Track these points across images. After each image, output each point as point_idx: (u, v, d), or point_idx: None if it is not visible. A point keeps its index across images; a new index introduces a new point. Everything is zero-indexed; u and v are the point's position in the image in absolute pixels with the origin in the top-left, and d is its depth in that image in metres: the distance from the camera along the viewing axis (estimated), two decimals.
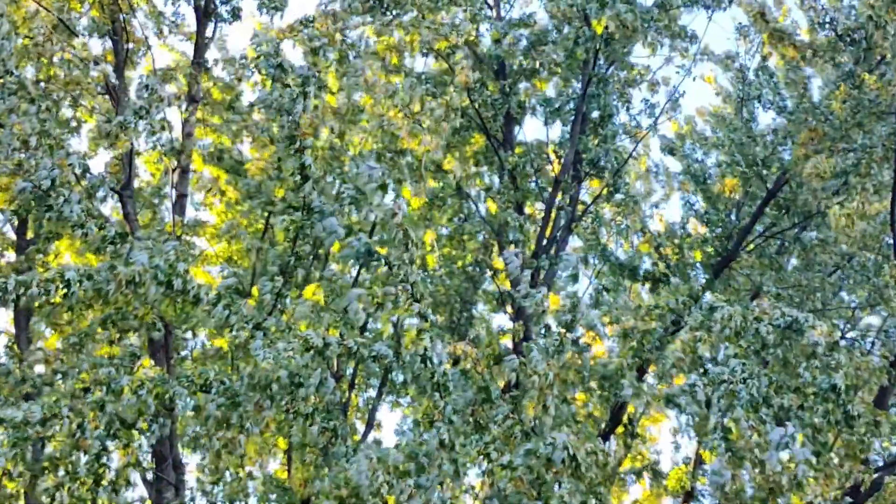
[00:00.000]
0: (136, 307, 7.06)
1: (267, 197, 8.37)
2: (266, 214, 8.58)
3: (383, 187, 6.79)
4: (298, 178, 6.98)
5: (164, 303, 6.66)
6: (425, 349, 6.59)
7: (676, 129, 13.31)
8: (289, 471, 7.73)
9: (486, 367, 7.20)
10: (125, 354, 8.24)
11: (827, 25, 10.21)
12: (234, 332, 6.56)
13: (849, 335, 12.22)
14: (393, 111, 7.80)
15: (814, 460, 6.64)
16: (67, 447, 6.00)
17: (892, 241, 10.31)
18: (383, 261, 6.78)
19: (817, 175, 9.83)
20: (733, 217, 12.33)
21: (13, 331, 10.42)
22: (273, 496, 8.10)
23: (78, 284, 6.26)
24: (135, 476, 9.39)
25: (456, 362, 6.91)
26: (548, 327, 6.98)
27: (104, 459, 6.03)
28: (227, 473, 7.87)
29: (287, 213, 7.06)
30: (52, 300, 6.44)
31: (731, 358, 7.02)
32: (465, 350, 7.06)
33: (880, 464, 10.37)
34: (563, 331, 6.88)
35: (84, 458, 5.99)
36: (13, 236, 11.07)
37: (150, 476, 8.97)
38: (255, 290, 7.50)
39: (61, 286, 6.25)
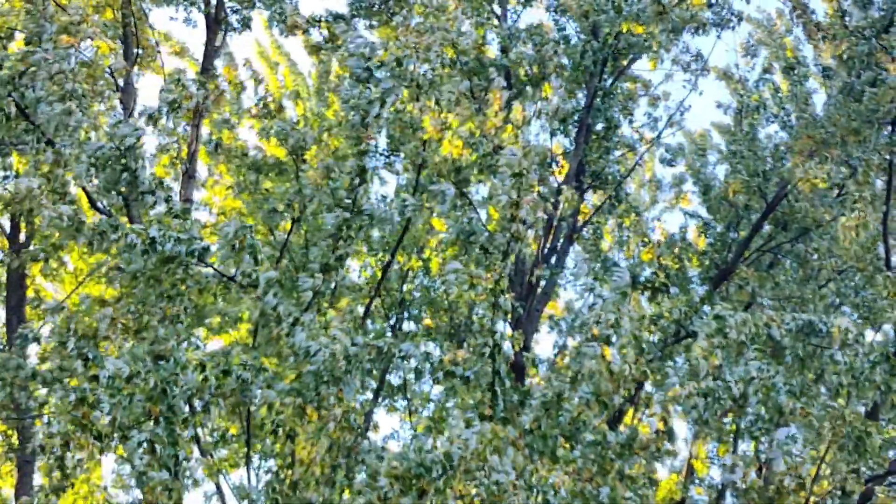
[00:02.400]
0: (189, 286, 7.10)
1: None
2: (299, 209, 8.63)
3: (518, 175, 6.91)
4: (357, 179, 7.09)
5: (211, 287, 6.81)
6: (495, 341, 6.64)
7: (682, 137, 13.46)
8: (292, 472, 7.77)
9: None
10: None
11: (839, 20, 10.31)
12: (279, 325, 6.57)
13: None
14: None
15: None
16: (140, 413, 6.00)
17: (883, 253, 10.41)
18: (480, 245, 6.84)
19: (808, 181, 9.92)
20: (732, 230, 12.43)
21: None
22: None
23: (160, 245, 6.37)
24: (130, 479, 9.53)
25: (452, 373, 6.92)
26: (592, 336, 6.75)
27: (172, 427, 6.01)
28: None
29: (337, 212, 7.13)
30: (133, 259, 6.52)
31: (751, 360, 7.08)
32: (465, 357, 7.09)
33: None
34: (605, 346, 6.82)
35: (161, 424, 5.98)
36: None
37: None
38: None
39: (147, 242, 6.35)
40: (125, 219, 7.37)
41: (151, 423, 5.97)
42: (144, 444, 5.91)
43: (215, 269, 6.77)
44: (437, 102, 7.96)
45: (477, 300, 6.74)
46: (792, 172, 10.36)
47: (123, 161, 6.88)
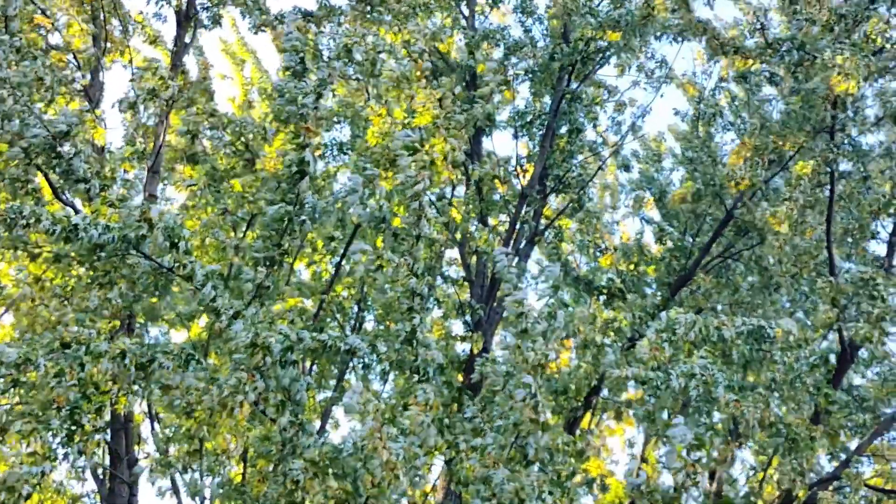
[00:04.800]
0: (122, 274, 7.05)
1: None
2: (252, 208, 8.65)
3: (413, 149, 6.98)
4: (296, 171, 7.08)
5: (150, 275, 6.78)
6: (413, 328, 6.69)
7: (639, 143, 13.59)
8: (244, 475, 7.83)
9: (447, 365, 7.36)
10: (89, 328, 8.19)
11: (757, 32, 10.40)
12: (217, 318, 6.58)
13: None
14: (421, 114, 7.98)
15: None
16: (42, 398, 5.98)
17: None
18: (392, 230, 6.89)
19: (734, 181, 10.08)
20: (689, 236, 12.58)
21: None
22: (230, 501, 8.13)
23: (84, 231, 6.28)
24: (86, 472, 9.53)
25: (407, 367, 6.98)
26: (525, 331, 6.87)
27: (77, 417, 5.98)
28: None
29: (279, 205, 7.15)
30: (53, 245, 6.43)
31: (699, 358, 7.26)
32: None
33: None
34: (539, 339, 6.90)
35: (60, 412, 5.94)
36: None
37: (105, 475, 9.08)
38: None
39: (68, 229, 6.26)
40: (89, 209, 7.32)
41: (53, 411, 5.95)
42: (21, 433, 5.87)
43: (152, 259, 6.70)
44: (374, 87, 8.03)
45: (392, 285, 6.81)
46: (724, 176, 10.49)
47: (57, 150, 6.88)
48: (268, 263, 7.20)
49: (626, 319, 9.30)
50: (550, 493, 6.21)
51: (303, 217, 7.03)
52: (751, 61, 10.38)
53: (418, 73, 8.31)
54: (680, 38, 11.29)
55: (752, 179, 10.05)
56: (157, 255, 6.66)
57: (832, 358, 9.85)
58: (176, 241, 6.55)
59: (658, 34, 11.26)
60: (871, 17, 9.73)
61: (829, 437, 9.30)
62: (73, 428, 5.95)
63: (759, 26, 10.39)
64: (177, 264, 6.65)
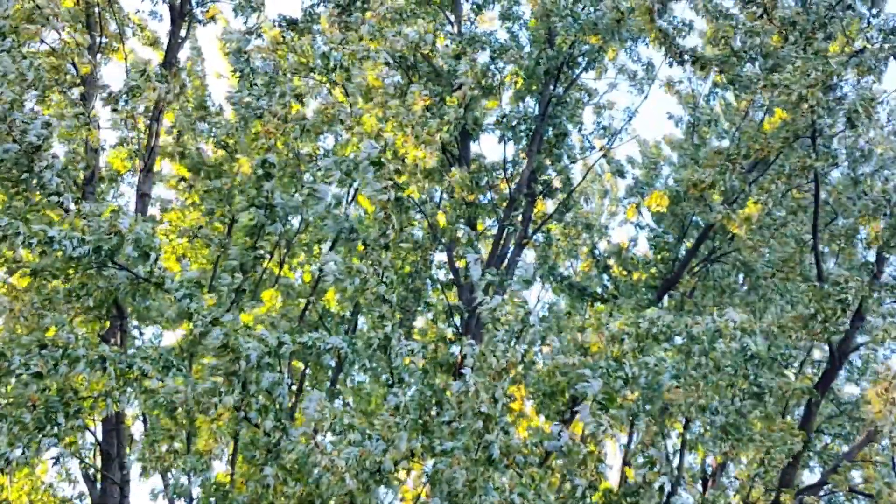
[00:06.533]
0: (99, 286, 7.03)
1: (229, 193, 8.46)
2: (231, 211, 8.65)
3: (378, 163, 6.98)
4: (261, 173, 7.07)
5: (127, 285, 6.75)
6: (386, 335, 6.75)
7: (636, 146, 13.63)
8: (232, 476, 7.81)
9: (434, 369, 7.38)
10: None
11: (722, 41, 10.45)
12: (194, 325, 6.55)
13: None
14: (392, 121, 8.01)
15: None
16: (16, 399, 6.02)
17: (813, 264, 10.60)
18: (361, 240, 6.91)
19: (693, 184, 10.15)
20: (676, 240, 12.61)
21: None
22: (213, 500, 8.10)
23: (59, 244, 6.22)
24: (76, 472, 9.50)
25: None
26: (499, 328, 7.06)
27: (52, 416, 6.02)
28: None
29: (248, 211, 7.14)
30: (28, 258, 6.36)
31: (663, 352, 7.36)
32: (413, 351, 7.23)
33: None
34: (512, 340, 6.96)
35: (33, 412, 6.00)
36: None
37: (96, 477, 9.04)
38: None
39: (44, 242, 6.20)
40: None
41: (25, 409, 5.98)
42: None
43: (127, 269, 6.68)
44: (348, 93, 8.06)
45: (359, 294, 6.84)
46: (687, 179, 10.55)
47: (28, 163, 6.78)
48: (244, 269, 7.21)
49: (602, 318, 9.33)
50: (521, 494, 6.25)
51: (275, 222, 7.03)
52: (707, 68, 10.46)
53: (385, 81, 8.36)
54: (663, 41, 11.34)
55: (715, 184, 10.10)
56: (132, 266, 6.64)
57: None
58: (147, 251, 6.53)
59: (635, 37, 11.33)
60: (825, 25, 9.77)
61: (765, 420, 9.43)
62: (45, 429, 5.99)
63: (722, 35, 10.46)
64: (150, 273, 6.63)
